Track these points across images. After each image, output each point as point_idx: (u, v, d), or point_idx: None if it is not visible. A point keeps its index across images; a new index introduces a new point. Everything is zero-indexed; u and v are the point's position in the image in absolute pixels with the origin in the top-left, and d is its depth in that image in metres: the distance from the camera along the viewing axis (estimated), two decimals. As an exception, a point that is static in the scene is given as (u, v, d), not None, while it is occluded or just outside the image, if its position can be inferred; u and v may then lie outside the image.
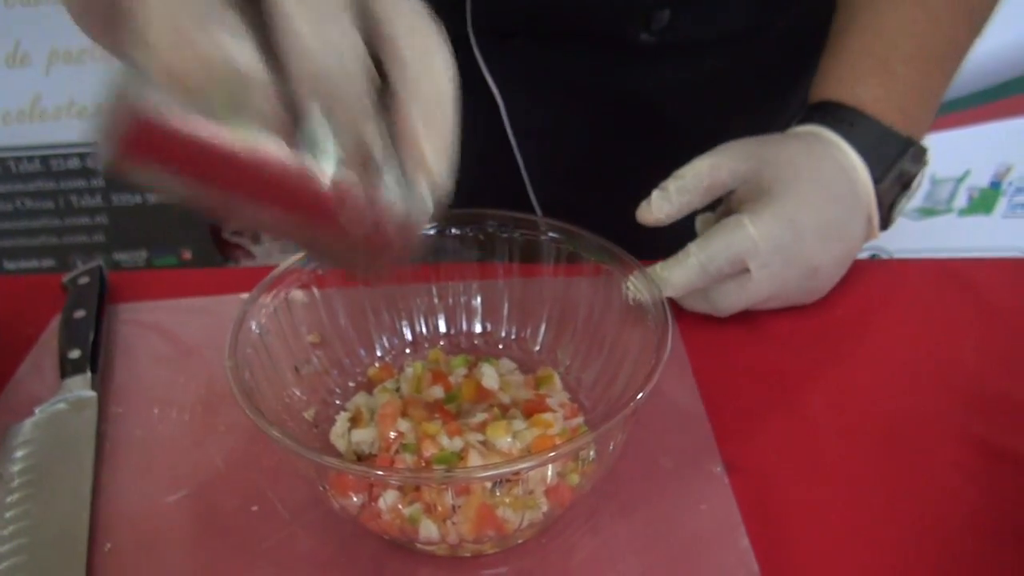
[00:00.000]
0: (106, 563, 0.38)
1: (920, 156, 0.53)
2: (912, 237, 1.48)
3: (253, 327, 0.41)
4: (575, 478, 0.37)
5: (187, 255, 1.58)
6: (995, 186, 1.47)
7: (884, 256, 1.44)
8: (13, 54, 1.31)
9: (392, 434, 0.40)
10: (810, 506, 0.41)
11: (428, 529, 0.35)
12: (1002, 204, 1.49)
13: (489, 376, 0.43)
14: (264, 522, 0.40)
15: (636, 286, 0.42)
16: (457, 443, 0.39)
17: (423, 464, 0.38)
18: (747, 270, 0.48)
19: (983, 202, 1.49)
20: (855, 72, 0.53)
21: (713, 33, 0.61)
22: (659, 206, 0.49)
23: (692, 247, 0.48)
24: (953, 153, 1.41)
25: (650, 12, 0.57)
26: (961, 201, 1.48)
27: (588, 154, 0.67)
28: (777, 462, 0.43)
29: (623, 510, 0.40)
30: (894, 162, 0.52)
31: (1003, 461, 0.42)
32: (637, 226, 0.49)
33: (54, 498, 0.41)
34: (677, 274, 0.48)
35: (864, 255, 0.55)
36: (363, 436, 0.41)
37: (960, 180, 1.46)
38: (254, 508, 0.41)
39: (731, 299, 0.49)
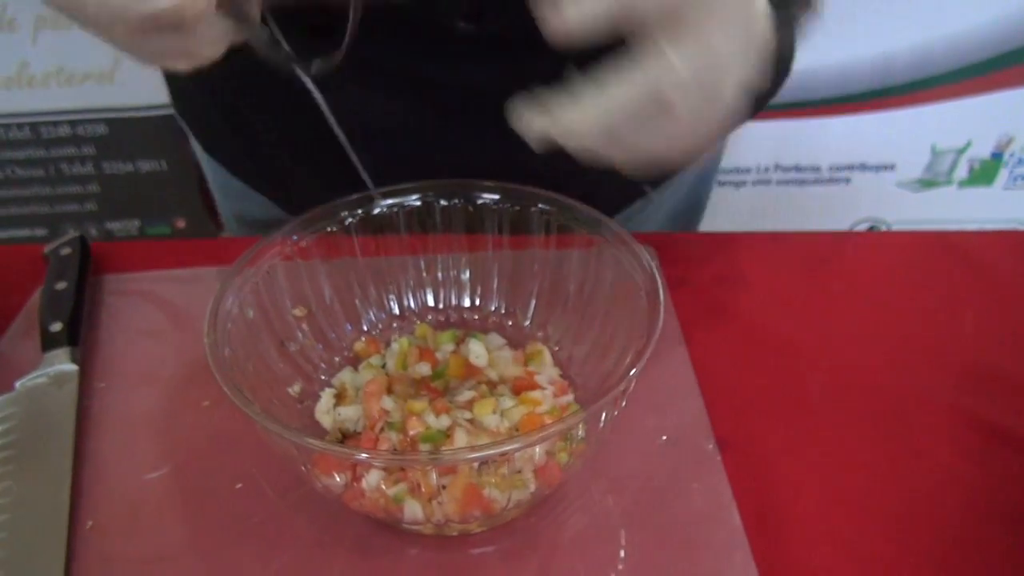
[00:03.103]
0: (88, 540, 0.38)
1: None
2: (912, 209, 1.46)
3: (234, 302, 0.40)
4: (564, 457, 0.36)
5: (181, 224, 1.57)
6: (996, 157, 1.45)
7: (883, 228, 1.43)
8: (-1, 19, 1.29)
9: (377, 412, 0.39)
10: (803, 484, 0.40)
11: (413, 509, 0.34)
12: (1003, 176, 1.48)
13: (477, 353, 0.42)
14: (248, 500, 0.39)
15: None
16: (443, 421, 0.38)
17: (408, 442, 0.37)
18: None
19: (984, 173, 1.47)
20: None
21: None
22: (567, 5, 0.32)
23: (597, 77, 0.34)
24: (954, 124, 1.39)
25: None
26: (962, 172, 1.47)
27: (439, 152, 0.58)
28: (771, 439, 0.42)
29: (613, 488, 0.40)
30: None
31: (997, 439, 0.42)
32: None
33: (35, 474, 0.40)
34: (584, 109, 0.33)
35: (863, 227, 0.54)
36: (348, 414, 0.40)
37: (961, 151, 1.44)
38: (238, 486, 0.40)
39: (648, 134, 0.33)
